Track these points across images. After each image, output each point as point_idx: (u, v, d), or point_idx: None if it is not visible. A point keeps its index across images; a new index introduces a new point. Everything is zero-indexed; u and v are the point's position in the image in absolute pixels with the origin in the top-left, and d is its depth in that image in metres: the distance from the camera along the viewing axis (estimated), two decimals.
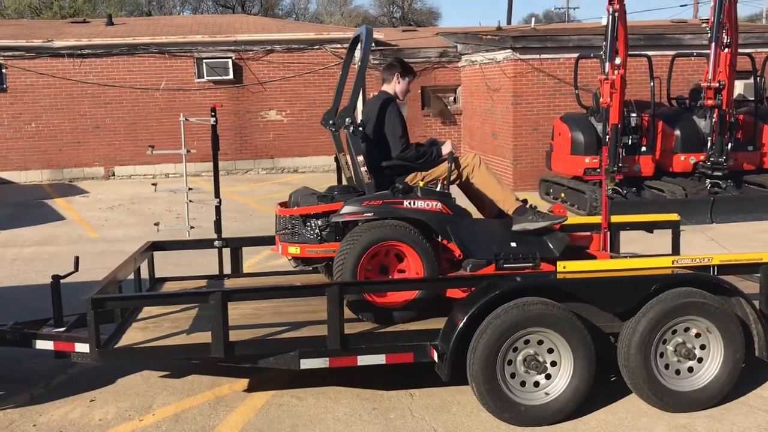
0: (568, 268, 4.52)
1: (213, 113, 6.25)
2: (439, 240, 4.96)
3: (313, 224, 5.01)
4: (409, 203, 4.83)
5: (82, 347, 4.67)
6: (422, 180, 5.13)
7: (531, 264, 4.90)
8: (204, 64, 16.90)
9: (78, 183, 16.84)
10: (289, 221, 5.11)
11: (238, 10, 50.07)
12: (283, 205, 5.32)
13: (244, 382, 5.18)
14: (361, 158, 4.96)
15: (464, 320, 4.24)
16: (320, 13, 57.10)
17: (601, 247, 5.82)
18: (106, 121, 17.01)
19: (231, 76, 16.89)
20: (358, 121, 5.07)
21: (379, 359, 4.49)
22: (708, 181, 11.55)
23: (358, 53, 5.41)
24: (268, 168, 17.72)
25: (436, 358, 4.39)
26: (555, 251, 5.01)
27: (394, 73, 5.37)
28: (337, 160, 5.67)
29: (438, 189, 5.02)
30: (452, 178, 5.17)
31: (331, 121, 5.05)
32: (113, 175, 17.26)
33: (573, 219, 5.79)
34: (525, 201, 5.31)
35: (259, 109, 17.39)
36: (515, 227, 5.07)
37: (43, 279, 8.46)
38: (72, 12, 35.98)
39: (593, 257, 5.38)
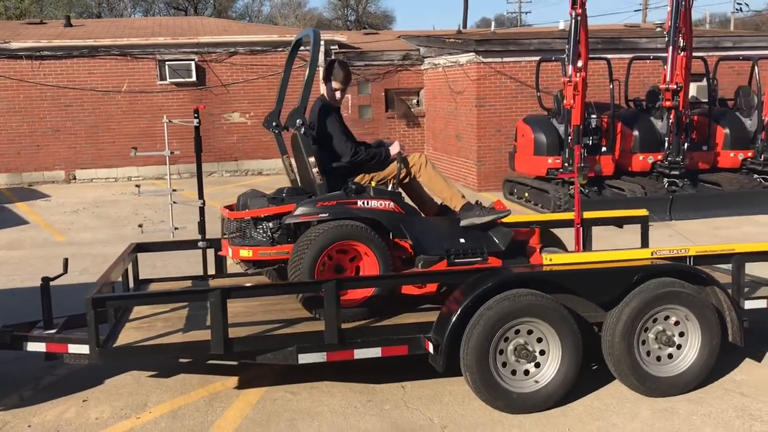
0: (554, 260, 4.73)
1: (196, 114, 6.31)
2: (391, 238, 5.06)
3: (264, 227, 5.01)
4: (363, 203, 4.93)
5: (76, 348, 4.70)
6: (371, 180, 5.24)
7: (480, 258, 5.08)
8: (166, 66, 16.76)
9: (38, 187, 16.51)
10: (238, 224, 5.11)
11: (191, 12, 49.55)
12: (229, 207, 5.31)
13: (235, 380, 5.25)
14: (312, 159, 5.02)
15: (458, 312, 4.41)
16: (274, 15, 56.93)
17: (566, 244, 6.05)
18: (66, 123, 16.72)
19: (194, 78, 16.79)
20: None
21: (375, 352, 4.62)
22: (666, 180, 12.01)
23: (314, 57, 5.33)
24: (232, 170, 17.66)
25: (431, 350, 4.54)
26: (500, 245, 5.18)
27: (322, 77, 5.38)
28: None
29: (389, 189, 5.15)
30: (401, 177, 5.30)
31: (274, 123, 5.11)
32: (74, 178, 16.98)
33: (514, 216, 6.00)
34: (463, 197, 5.45)
35: (223, 111, 17.32)
36: (463, 222, 5.22)
37: (13, 283, 8.36)
38: (18, 13, 35.17)
39: (534, 250, 5.54)
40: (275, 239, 5.00)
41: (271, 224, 5.01)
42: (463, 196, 5.41)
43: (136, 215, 12.62)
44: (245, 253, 4.99)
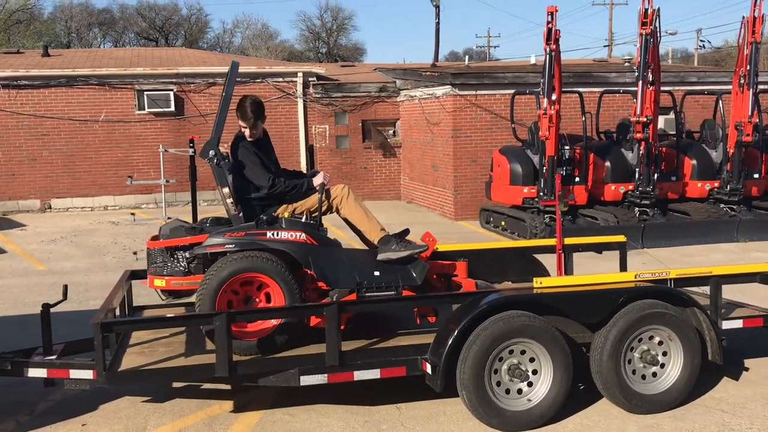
0: (544, 283, 4.96)
1: (191, 144, 6.47)
2: (308, 270, 5.01)
3: (180, 256, 5.04)
4: (273, 234, 4.91)
5: (78, 373, 4.76)
6: (293, 211, 5.25)
7: (393, 292, 5.06)
8: (145, 96, 16.87)
9: (13, 216, 16.36)
10: (158, 254, 5.13)
11: (161, 43, 49.73)
12: (154, 238, 5.34)
13: (231, 403, 5.34)
14: (226, 190, 5.04)
15: (455, 333, 4.59)
16: (246, 47, 57.40)
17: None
18: (42, 153, 16.68)
19: (172, 108, 16.90)
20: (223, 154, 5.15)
21: (374, 374, 4.78)
22: (637, 209, 12.41)
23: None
24: (209, 200, 17.67)
25: (428, 371, 4.71)
26: (417, 280, 5.16)
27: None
28: None
29: (303, 220, 5.15)
30: (323, 209, 5.30)
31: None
32: (49, 207, 16.88)
33: (442, 247, 6.11)
34: (407, 231, 5.51)
35: (201, 141, 17.41)
36: (380, 257, 5.21)
37: None
38: None
39: (459, 285, 5.64)
40: (190, 269, 5.03)
41: (187, 254, 5.03)
42: (383, 229, 5.38)
43: (115, 244, 12.61)
44: (159, 282, 5.02)
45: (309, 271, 5.01)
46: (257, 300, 4.94)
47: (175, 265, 5.07)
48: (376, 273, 5.11)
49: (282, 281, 4.84)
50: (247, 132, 5.36)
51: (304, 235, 5.00)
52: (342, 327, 5.06)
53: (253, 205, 5.24)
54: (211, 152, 5.03)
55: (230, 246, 4.85)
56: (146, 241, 5.40)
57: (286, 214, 5.17)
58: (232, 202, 5.07)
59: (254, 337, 4.86)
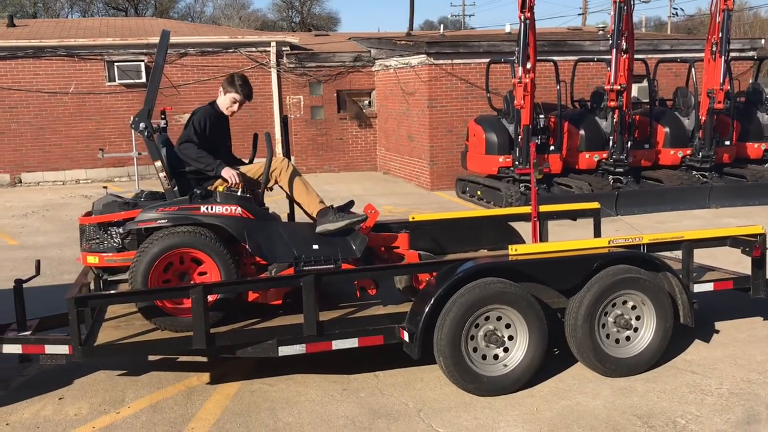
0: (519, 251, 5.01)
1: (163, 116, 6.35)
2: (245, 245, 4.91)
3: (114, 232, 4.96)
4: (207, 209, 4.81)
5: (53, 349, 4.73)
6: (236, 184, 5.14)
7: (331, 266, 5.01)
8: (115, 68, 16.56)
9: None
10: (91, 230, 5.04)
11: (131, 13, 48.68)
12: (87, 214, 5.20)
13: (209, 375, 5.34)
14: (158, 163, 4.94)
15: (432, 301, 4.62)
16: (217, 16, 56.38)
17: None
18: (11, 126, 16.35)
19: (143, 80, 16.60)
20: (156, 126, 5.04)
21: (352, 343, 4.80)
22: (611, 177, 12.52)
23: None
24: None
25: (406, 338, 4.74)
26: (357, 252, 5.10)
27: (223, 85, 5.39)
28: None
29: (239, 194, 5.03)
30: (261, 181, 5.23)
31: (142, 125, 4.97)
32: (20, 182, 16.60)
33: (418, 216, 6.23)
34: (351, 203, 5.46)
35: (173, 113, 17.16)
36: (318, 229, 5.14)
37: None
38: None
39: (402, 257, 5.61)
40: (125, 245, 4.96)
41: (120, 230, 4.95)
42: (322, 202, 5.31)
43: None
44: (92, 259, 4.93)
45: (246, 246, 4.92)
46: (193, 276, 4.84)
47: (109, 242, 4.97)
48: (315, 246, 5.04)
49: (217, 256, 4.76)
50: (235, 107, 5.35)
51: (239, 209, 4.90)
52: (279, 302, 5.08)
53: (189, 179, 5.13)
54: (142, 125, 4.88)
55: (162, 221, 4.74)
56: (78, 217, 5.27)
57: (221, 188, 5.07)
58: (165, 176, 4.96)
59: (191, 313, 4.69)
